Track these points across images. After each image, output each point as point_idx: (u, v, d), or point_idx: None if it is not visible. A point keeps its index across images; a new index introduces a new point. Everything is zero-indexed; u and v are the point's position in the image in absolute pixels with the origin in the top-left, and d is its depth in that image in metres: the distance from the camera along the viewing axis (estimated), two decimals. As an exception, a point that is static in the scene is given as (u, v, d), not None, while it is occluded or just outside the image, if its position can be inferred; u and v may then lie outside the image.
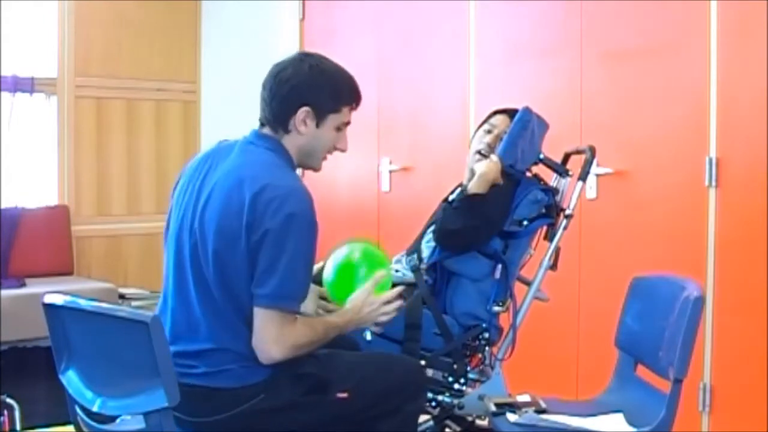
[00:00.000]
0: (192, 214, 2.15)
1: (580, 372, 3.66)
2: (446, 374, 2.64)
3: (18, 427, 3.58)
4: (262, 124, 2.24)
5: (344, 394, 2.17)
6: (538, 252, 2.82)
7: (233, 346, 2.10)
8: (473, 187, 2.67)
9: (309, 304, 2.32)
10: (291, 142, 2.20)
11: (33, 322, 3.63)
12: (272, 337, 2.05)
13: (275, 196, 2.04)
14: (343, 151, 2.29)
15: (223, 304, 2.10)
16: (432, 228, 2.77)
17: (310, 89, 2.16)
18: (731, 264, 3.20)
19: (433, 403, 2.64)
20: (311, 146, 2.21)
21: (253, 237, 2.04)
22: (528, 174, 2.87)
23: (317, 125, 2.19)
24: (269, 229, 2.03)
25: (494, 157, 2.73)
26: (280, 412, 2.12)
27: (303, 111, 2.16)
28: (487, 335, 2.68)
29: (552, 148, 2.92)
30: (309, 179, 5.20)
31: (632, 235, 3.51)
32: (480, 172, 2.68)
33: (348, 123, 2.26)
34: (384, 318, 2.26)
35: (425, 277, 2.72)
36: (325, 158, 2.28)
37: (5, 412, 3.57)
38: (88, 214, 5.45)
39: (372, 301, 2.23)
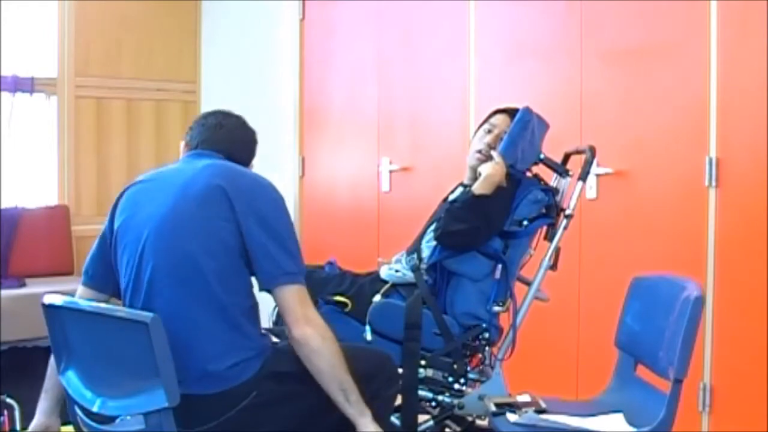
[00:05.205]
0: (156, 232, 2.14)
1: (580, 372, 3.66)
2: (446, 374, 2.64)
3: (18, 427, 3.58)
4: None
5: None
6: (538, 252, 2.82)
7: (214, 351, 2.09)
8: (479, 188, 2.66)
9: None
10: None
11: (33, 322, 3.62)
12: (303, 310, 2.13)
13: (244, 188, 2.16)
14: None
15: (202, 311, 2.09)
16: (432, 227, 2.77)
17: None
18: (731, 264, 3.20)
19: (433, 403, 2.64)
20: None
21: (240, 232, 2.10)
22: (528, 174, 2.87)
23: None
24: (253, 221, 2.11)
25: (499, 159, 2.72)
26: (275, 404, 2.13)
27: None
28: (487, 335, 2.68)
29: (552, 148, 2.92)
30: (309, 179, 5.23)
31: (632, 235, 3.50)
32: (486, 173, 2.68)
33: None
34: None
35: (425, 277, 2.72)
36: None
37: (5, 412, 3.57)
38: (88, 214, 5.44)
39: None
